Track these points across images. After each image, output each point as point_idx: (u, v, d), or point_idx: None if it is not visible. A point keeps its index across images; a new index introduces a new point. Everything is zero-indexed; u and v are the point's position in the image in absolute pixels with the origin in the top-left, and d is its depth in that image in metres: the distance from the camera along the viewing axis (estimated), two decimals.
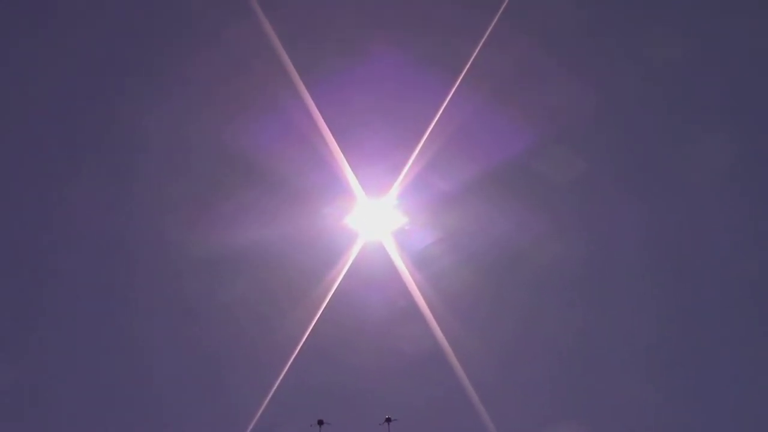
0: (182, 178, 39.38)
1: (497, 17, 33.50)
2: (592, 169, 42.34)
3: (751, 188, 42.89)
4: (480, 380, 34.76)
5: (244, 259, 41.35)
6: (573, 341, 43.37)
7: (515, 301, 42.37)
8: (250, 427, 30.58)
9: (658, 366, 43.81)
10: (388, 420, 27.12)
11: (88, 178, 43.07)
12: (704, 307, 42.84)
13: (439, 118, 33.39)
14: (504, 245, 39.42)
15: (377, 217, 35.03)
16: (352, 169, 33.77)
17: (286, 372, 32.74)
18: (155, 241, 42.02)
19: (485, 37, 34.01)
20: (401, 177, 34.03)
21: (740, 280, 41.71)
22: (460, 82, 33.52)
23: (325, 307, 34.82)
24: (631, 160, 42.82)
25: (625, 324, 43.11)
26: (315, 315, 34.54)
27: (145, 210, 40.89)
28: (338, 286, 34.98)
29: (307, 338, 34.07)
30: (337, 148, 33.11)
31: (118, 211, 41.69)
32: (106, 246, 44.20)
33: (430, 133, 33.54)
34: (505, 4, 33.77)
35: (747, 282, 41.56)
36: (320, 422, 27.15)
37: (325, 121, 33.58)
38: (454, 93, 33.49)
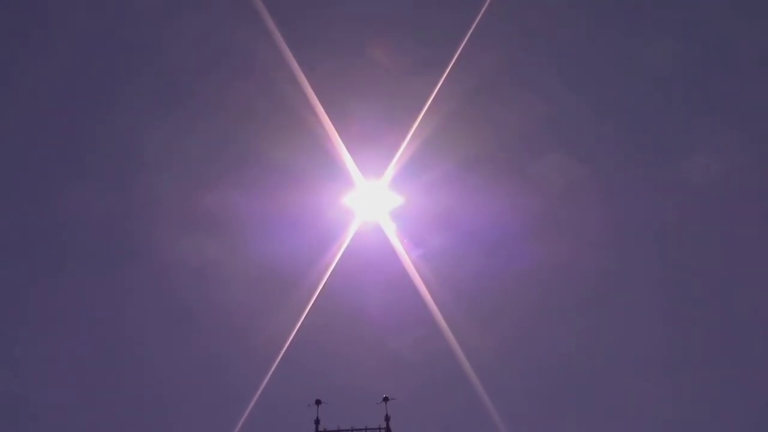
0: (181, 161, 39.72)
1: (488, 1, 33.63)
2: (587, 149, 42.67)
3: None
4: (477, 358, 35.13)
5: (242, 240, 41.71)
6: (568, 316, 43.80)
7: (511, 279, 42.73)
8: (250, 405, 30.91)
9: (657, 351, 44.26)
10: (386, 399, 27.40)
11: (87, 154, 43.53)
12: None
13: (433, 100, 33.52)
14: (499, 224, 39.77)
15: (374, 198, 35.33)
16: (349, 152, 33.95)
17: (285, 351, 33.04)
18: (152, 230, 42.47)
19: (481, 11, 34.10)
20: (397, 158, 34.18)
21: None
22: (453, 64, 33.63)
23: (323, 286, 35.06)
24: (629, 137, 43.14)
25: (618, 295, 43.53)
26: (313, 294, 34.77)
27: (144, 194, 41.30)
28: (336, 266, 35.23)
29: (305, 317, 34.35)
30: (334, 131, 33.24)
31: (118, 190, 42.15)
32: (107, 218, 44.67)
33: (424, 114, 33.67)
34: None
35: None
36: (318, 402, 27.44)
37: (321, 104, 33.72)
38: (447, 75, 33.61)
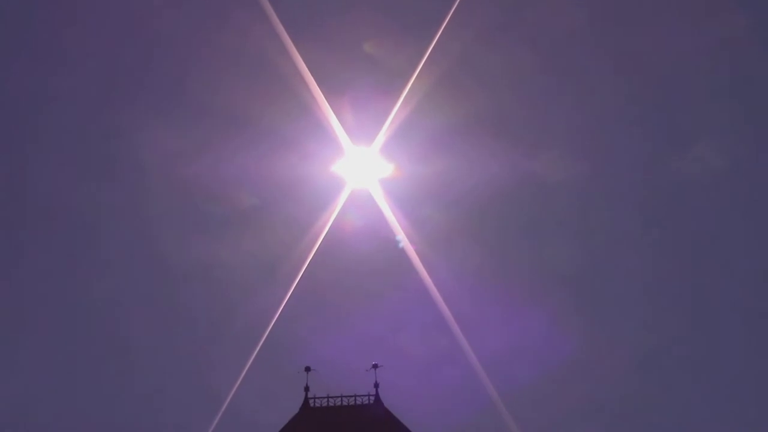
0: (170, 128, 39.51)
1: None
2: (578, 108, 42.44)
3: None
4: (468, 325, 35.24)
5: (231, 208, 41.62)
6: (560, 278, 43.85)
7: (503, 243, 42.72)
8: (243, 373, 31.03)
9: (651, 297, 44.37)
10: (375, 366, 27.48)
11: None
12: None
13: (423, 66, 33.23)
14: (490, 187, 39.66)
15: (364, 165, 35.13)
16: (338, 118, 33.61)
17: (276, 319, 33.08)
18: (141, 196, 42.37)
19: None
20: (387, 125, 33.90)
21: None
22: (444, 28, 33.30)
23: (314, 254, 34.97)
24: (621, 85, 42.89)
25: (614, 260, 43.60)
26: (304, 262, 34.71)
27: (133, 162, 41.17)
28: (327, 233, 35.13)
29: (296, 285, 34.34)
30: (323, 97, 32.86)
31: (106, 159, 42.02)
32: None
33: (414, 80, 33.37)
34: None
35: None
36: (307, 369, 27.55)
37: (310, 70, 33.38)
38: (438, 40, 33.29)
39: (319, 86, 33.09)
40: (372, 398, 26.84)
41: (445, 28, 33.71)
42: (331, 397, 26.88)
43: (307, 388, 27.13)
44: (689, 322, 40.60)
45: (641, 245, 41.29)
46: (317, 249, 35.18)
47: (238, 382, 30.31)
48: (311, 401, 26.88)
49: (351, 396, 26.86)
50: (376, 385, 27.13)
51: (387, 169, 35.50)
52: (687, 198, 40.57)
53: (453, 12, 33.72)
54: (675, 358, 41.49)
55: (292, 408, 26.83)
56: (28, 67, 39.52)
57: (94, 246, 42.68)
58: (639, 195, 41.84)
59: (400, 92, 33.65)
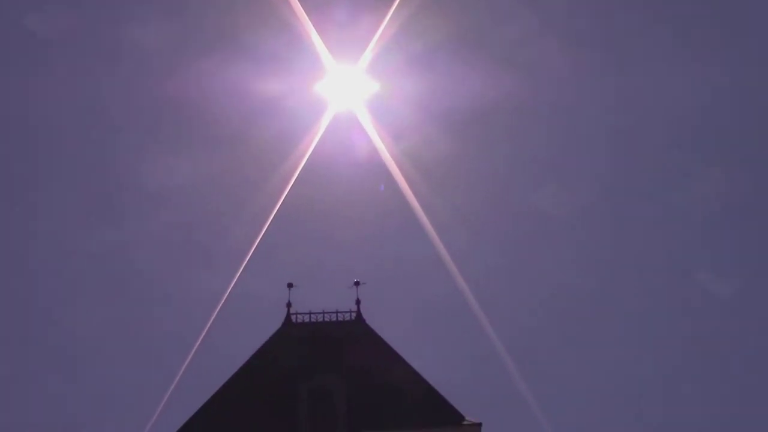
0: (150, 47, 38.95)
1: None
2: (566, 26, 42.10)
3: None
4: (451, 240, 35.42)
5: (210, 126, 41.33)
6: (546, 200, 44.14)
7: (491, 163, 42.81)
8: (227, 291, 31.23)
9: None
10: (357, 283, 27.75)
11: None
12: None
13: None
14: (477, 102, 39.47)
15: (348, 85, 34.36)
16: (320, 35, 32.68)
17: (260, 238, 33.11)
18: (125, 117, 42.04)
19: None
20: (373, 42, 32.99)
21: None
22: None
23: (299, 173, 34.67)
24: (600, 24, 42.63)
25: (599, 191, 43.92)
26: (290, 180, 34.39)
27: (117, 82, 40.74)
28: (309, 158, 34.74)
29: (279, 206, 34.24)
30: (302, 12, 31.79)
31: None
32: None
33: None
34: None
35: None
36: (290, 285, 27.76)
37: None
38: None
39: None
40: (353, 315, 27.17)
41: None
42: (313, 314, 27.18)
43: (289, 305, 27.40)
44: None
45: None
46: (302, 169, 35.03)
47: (223, 298, 30.55)
48: (293, 317, 27.18)
49: (333, 312, 27.18)
50: (358, 302, 27.44)
51: (372, 88, 34.79)
52: None
53: None
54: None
55: (274, 324, 27.14)
56: None
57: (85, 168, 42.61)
58: None
59: (389, 7, 32.57)
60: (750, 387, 40.09)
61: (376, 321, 27.22)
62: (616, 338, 43.26)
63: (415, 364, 25.10)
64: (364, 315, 27.25)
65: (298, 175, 34.50)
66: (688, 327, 42.12)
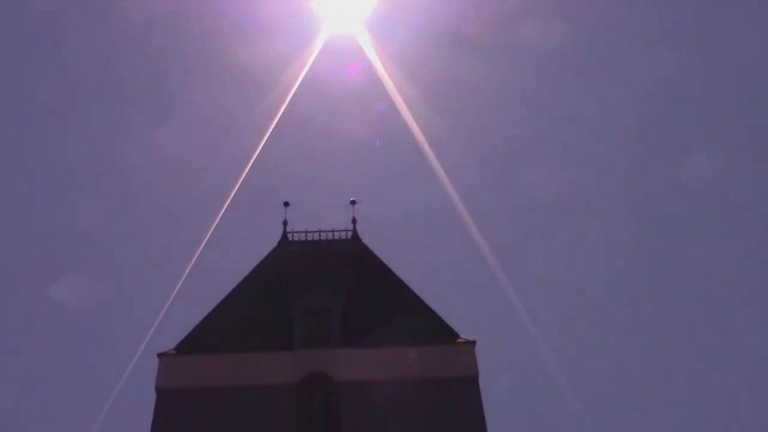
0: None
1: None
2: None
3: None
4: (446, 155, 35.30)
5: (198, 43, 40.74)
6: (546, 107, 43.95)
7: (490, 81, 42.45)
8: (222, 208, 31.25)
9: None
10: (353, 203, 27.77)
11: None
12: None
13: None
14: (480, 18, 38.84)
15: (346, 3, 33.60)
16: None
17: (257, 155, 32.97)
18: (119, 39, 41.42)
19: None
20: None
21: None
22: None
23: (290, 99, 34.36)
24: None
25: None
26: (287, 95, 34.03)
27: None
28: (304, 77, 34.29)
29: (277, 121, 34.00)
30: None
31: None
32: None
33: None
34: None
35: None
36: (286, 204, 27.78)
37: None
38: None
39: None
40: (349, 233, 27.27)
41: None
42: (309, 232, 27.28)
43: (285, 223, 27.47)
44: None
45: None
46: (297, 88, 34.69)
47: (219, 215, 30.57)
48: (289, 235, 27.27)
49: (329, 231, 27.28)
50: (354, 221, 27.52)
51: (371, 4, 34.04)
52: None
53: None
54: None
55: (271, 242, 27.24)
56: None
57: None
58: None
59: None
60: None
61: (371, 240, 27.39)
62: (608, 248, 43.68)
63: (410, 283, 25.30)
64: (360, 234, 27.36)
65: (294, 93, 34.18)
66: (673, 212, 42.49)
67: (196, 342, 22.91)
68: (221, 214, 30.52)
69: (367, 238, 27.32)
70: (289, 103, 34.31)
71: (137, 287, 44.19)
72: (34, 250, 45.09)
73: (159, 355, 22.45)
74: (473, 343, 22.61)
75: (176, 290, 26.89)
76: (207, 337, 23.03)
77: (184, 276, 27.39)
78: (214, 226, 29.62)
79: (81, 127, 45.09)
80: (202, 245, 28.34)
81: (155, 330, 26.29)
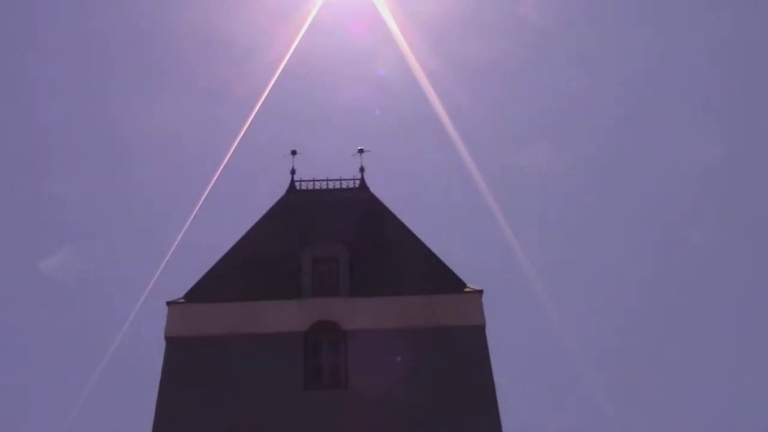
0: None
1: None
2: None
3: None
4: (453, 106, 35.08)
5: None
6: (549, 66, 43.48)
7: (497, 17, 41.97)
8: (228, 155, 31.22)
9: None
10: (361, 151, 27.59)
11: None
12: None
13: None
14: None
15: None
16: None
17: (263, 101, 32.78)
18: None
19: None
20: None
21: None
22: None
23: (303, 34, 33.94)
24: None
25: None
26: (293, 42, 33.72)
27: None
28: (311, 24, 33.93)
29: (282, 70, 33.77)
30: None
31: None
32: None
33: None
34: None
35: None
36: (293, 152, 27.63)
37: None
38: None
39: None
40: (357, 182, 27.18)
41: None
42: (317, 181, 27.20)
43: (293, 171, 27.39)
44: None
45: None
46: (303, 34, 34.33)
47: (223, 163, 30.54)
48: (297, 184, 27.21)
49: (336, 180, 27.19)
50: (362, 170, 27.42)
51: None
52: None
53: None
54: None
55: (279, 191, 27.20)
56: None
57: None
58: None
59: None
60: None
61: (379, 189, 27.31)
62: (618, 208, 43.56)
63: (418, 232, 25.30)
64: (368, 183, 27.26)
65: (300, 39, 33.83)
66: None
67: (205, 290, 23.02)
68: (225, 161, 30.51)
69: (375, 188, 27.27)
70: (294, 50, 33.99)
71: (139, 234, 44.44)
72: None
73: (168, 303, 22.58)
74: (480, 292, 22.66)
75: (178, 239, 27.01)
76: (215, 286, 23.14)
77: (187, 224, 27.51)
78: (217, 174, 29.65)
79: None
80: (205, 193, 28.41)
81: (156, 279, 26.47)
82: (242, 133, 31.54)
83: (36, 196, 44.73)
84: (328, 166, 30.80)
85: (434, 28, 40.71)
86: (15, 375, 41.22)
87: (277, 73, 32.65)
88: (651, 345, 42.68)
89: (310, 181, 27.14)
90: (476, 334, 21.82)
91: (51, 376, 41.19)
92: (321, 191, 27.03)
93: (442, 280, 23.24)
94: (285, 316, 22.09)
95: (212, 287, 23.08)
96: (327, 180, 27.19)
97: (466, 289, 22.90)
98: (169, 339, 21.81)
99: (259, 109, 31.90)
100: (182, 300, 22.80)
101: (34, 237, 44.88)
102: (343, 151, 28.57)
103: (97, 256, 44.85)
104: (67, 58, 48.06)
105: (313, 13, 33.62)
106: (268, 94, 32.55)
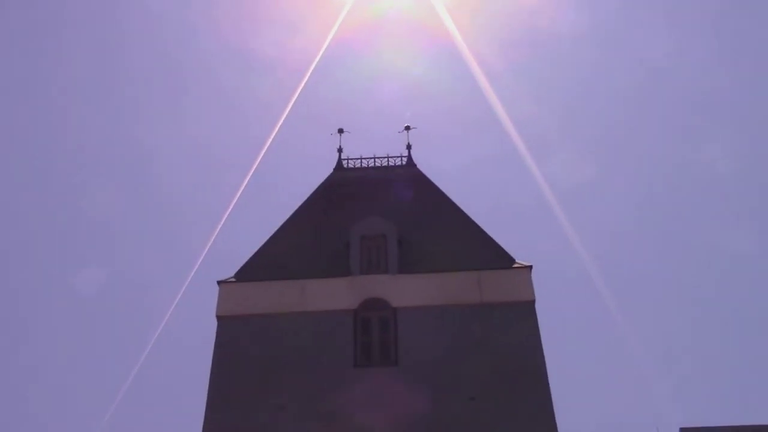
0: None
1: None
2: None
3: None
4: (499, 83, 34.65)
5: None
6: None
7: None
8: (273, 134, 31.33)
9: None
10: (407, 128, 27.47)
11: None
12: None
13: None
14: None
15: None
16: None
17: (308, 78, 32.77)
18: None
19: None
20: None
21: None
22: None
23: (343, 17, 33.90)
24: None
25: None
26: (335, 22, 33.66)
27: None
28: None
29: (326, 48, 33.70)
30: None
31: None
32: None
33: None
34: None
35: None
36: (340, 131, 27.63)
37: None
38: None
39: None
40: (404, 159, 27.10)
41: None
42: (364, 159, 27.19)
43: (340, 150, 27.41)
44: None
45: None
46: (348, 11, 34.21)
47: (269, 141, 30.69)
48: (344, 162, 27.23)
49: (384, 157, 27.14)
50: (409, 147, 27.32)
51: None
52: None
53: None
54: None
55: (327, 169, 27.27)
56: None
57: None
58: None
59: None
60: None
61: (426, 166, 27.19)
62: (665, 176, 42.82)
63: (465, 208, 25.16)
64: (415, 160, 27.17)
65: (346, 14, 33.70)
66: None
67: (255, 269, 23.22)
68: (270, 139, 30.65)
69: (422, 165, 27.16)
70: (339, 25, 33.91)
71: (188, 211, 44.89)
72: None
73: (219, 282, 22.82)
74: (530, 267, 22.49)
75: (224, 217, 27.25)
76: (265, 265, 23.31)
77: (234, 201, 27.72)
78: (263, 152, 29.83)
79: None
80: (251, 172, 28.58)
81: (204, 256, 26.74)
82: (287, 112, 31.62)
83: (88, 196, 45.50)
84: (375, 144, 30.73)
85: (482, 5, 40.22)
86: (72, 356, 42.22)
87: (321, 52, 32.57)
88: (702, 318, 42.06)
89: (357, 159, 27.15)
90: (526, 310, 21.70)
91: (108, 351, 42.17)
92: (368, 169, 27.01)
93: (491, 255, 23.12)
94: (334, 294, 22.20)
95: (262, 266, 23.26)
96: (374, 158, 27.15)
97: (515, 265, 22.74)
98: (220, 318, 22.07)
99: (304, 86, 31.89)
100: (233, 279, 23.03)
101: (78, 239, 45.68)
102: (390, 128, 28.45)
103: (147, 239, 45.53)
104: (97, 75, 48.63)
105: None
106: (313, 70, 32.47)
